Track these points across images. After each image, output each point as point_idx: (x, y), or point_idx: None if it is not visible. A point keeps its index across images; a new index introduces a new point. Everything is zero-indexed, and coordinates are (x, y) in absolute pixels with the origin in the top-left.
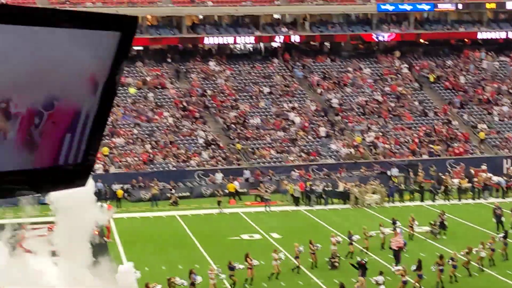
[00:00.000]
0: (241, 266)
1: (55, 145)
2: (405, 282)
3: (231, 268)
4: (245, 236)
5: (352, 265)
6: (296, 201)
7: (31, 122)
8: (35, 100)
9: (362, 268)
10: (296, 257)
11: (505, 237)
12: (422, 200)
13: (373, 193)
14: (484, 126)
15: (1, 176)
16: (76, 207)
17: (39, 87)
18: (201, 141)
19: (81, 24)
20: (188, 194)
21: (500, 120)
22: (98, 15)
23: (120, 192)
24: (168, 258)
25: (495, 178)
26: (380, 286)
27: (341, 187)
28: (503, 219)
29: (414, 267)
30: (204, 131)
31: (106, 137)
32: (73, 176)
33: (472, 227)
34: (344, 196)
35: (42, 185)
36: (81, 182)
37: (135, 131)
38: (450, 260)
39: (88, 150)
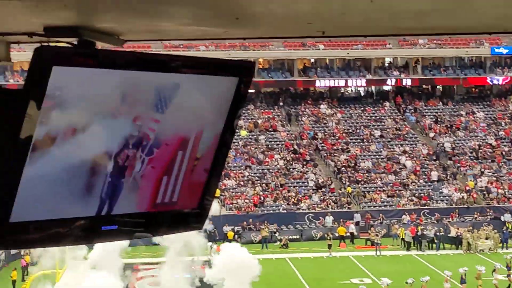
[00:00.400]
0: None
1: (154, 187)
2: None
3: None
4: (355, 280)
5: None
6: (407, 245)
7: (134, 166)
8: (141, 146)
9: None
10: None
11: None
12: None
13: (486, 238)
14: None
15: (119, 218)
16: (185, 247)
17: (148, 133)
18: (311, 183)
19: (200, 70)
20: (298, 236)
21: None
22: (217, 61)
23: (230, 234)
24: None
25: None
26: None
27: (453, 232)
28: None
29: None
30: (314, 174)
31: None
32: (190, 219)
33: None
34: (456, 241)
35: (159, 228)
36: (197, 225)
37: (246, 173)
38: None
39: (205, 195)
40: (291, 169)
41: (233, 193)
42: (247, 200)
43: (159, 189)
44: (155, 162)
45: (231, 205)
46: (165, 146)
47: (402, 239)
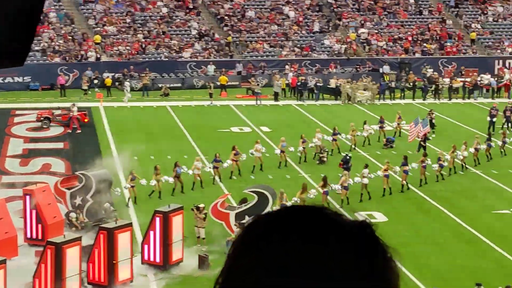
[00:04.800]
0: (228, 161)
1: None
2: (387, 176)
3: (217, 160)
4: (235, 129)
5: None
6: (275, 95)
7: None
8: None
9: (346, 163)
10: (282, 152)
11: (489, 139)
12: (413, 99)
13: (365, 90)
14: (478, 26)
15: None
16: None
17: None
18: (194, 32)
19: None
20: (179, 85)
21: (494, 20)
22: None
23: (109, 81)
24: (157, 148)
25: (486, 79)
26: (364, 179)
27: (332, 83)
28: (495, 119)
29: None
30: (197, 22)
31: (99, 25)
32: (8, 54)
33: (460, 126)
34: (336, 92)
35: None
36: (17, 61)
37: (128, 20)
38: (438, 160)
39: (26, 26)
40: (174, 17)
41: (114, 40)
42: (128, 47)
43: None
44: None
45: (111, 51)
46: None
47: (283, 89)
